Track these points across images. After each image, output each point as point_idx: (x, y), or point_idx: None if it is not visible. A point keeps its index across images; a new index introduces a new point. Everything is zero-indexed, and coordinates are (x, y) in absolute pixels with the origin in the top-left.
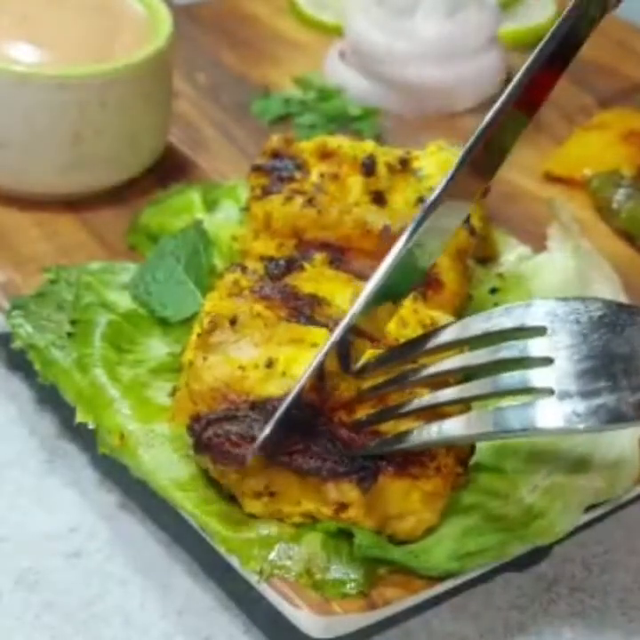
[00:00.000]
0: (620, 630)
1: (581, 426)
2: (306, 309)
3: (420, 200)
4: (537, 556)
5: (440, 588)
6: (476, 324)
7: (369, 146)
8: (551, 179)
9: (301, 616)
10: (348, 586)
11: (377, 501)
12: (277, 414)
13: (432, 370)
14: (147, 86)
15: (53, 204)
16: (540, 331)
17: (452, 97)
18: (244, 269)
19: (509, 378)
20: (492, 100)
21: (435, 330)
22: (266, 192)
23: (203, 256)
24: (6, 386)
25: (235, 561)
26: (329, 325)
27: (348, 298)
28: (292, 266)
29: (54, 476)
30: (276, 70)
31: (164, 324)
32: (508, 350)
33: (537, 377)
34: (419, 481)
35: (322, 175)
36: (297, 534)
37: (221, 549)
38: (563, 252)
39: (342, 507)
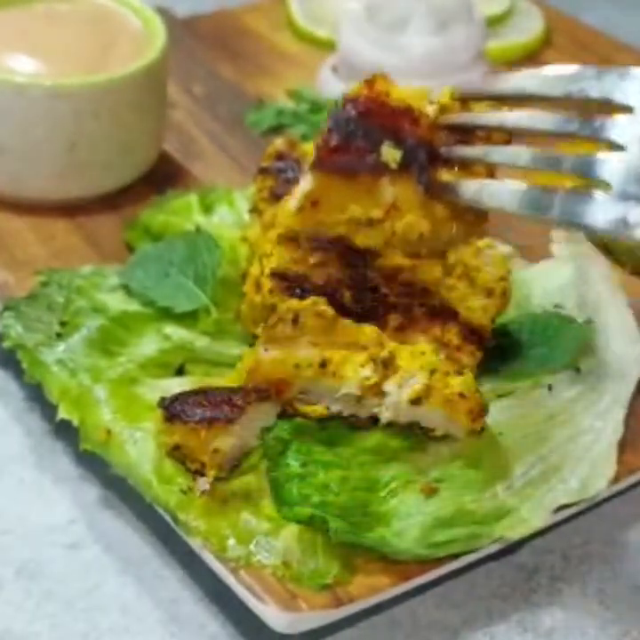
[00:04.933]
0: (597, 618)
1: (627, 233)
2: (360, 264)
3: None
4: (512, 547)
5: (405, 587)
6: (561, 83)
7: None
8: None
9: (267, 611)
10: (325, 577)
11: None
12: None
13: (495, 119)
14: (140, 97)
15: (49, 209)
16: (626, 109)
17: None
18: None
19: (570, 157)
20: None
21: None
22: (273, 194)
23: (206, 258)
24: (1, 384)
25: (207, 555)
26: (379, 285)
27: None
28: None
29: (54, 471)
30: (270, 83)
31: (162, 316)
32: (576, 124)
33: (600, 165)
34: None
35: None
36: (274, 528)
37: (196, 541)
38: (564, 255)
39: (395, 208)
